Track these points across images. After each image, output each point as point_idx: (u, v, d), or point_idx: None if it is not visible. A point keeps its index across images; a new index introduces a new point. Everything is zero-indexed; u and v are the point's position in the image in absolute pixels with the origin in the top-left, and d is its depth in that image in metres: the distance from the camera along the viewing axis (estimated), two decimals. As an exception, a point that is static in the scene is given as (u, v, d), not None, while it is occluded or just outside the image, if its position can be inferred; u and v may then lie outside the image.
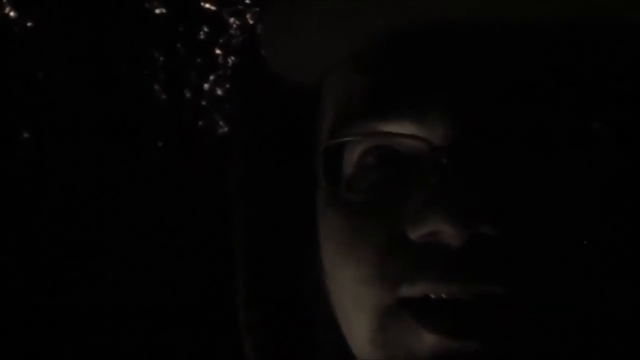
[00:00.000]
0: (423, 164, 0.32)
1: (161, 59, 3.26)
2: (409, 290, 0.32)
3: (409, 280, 0.32)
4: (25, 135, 2.72)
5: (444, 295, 0.32)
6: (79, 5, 2.62)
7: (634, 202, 0.33)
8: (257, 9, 0.38)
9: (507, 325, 0.31)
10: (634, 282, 0.33)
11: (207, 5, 3.23)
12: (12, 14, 2.58)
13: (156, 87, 3.26)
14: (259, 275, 0.41)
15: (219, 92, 3.43)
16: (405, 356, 0.33)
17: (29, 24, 2.63)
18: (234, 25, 3.30)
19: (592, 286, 0.32)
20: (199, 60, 3.44)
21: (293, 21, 0.35)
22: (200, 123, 3.43)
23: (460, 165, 0.31)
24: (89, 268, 2.39)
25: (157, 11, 3.08)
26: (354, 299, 0.35)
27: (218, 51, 3.41)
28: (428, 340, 0.32)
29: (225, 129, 3.15)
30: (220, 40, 3.35)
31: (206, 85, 3.47)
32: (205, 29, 3.32)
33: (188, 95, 3.41)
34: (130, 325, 2.19)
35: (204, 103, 3.44)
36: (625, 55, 0.33)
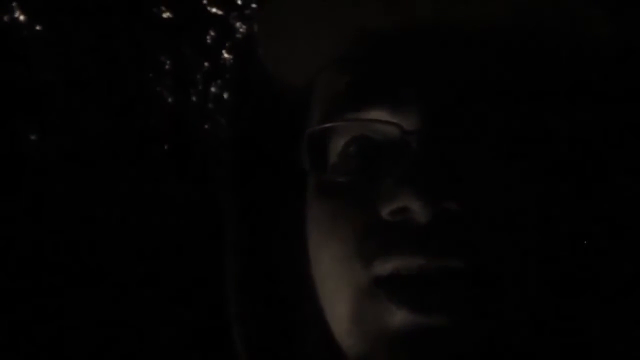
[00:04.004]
0: (396, 148, 0.35)
1: (168, 62, 3.28)
2: (381, 268, 0.35)
3: (381, 258, 0.35)
4: (32, 137, 2.75)
5: (413, 272, 0.34)
6: (86, 10, 2.65)
7: (588, 183, 0.37)
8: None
9: (468, 299, 0.34)
10: (589, 256, 0.36)
11: (214, 10, 3.25)
12: (21, 17, 2.61)
13: (162, 90, 3.29)
14: (249, 266, 0.44)
15: (226, 95, 3.45)
16: (379, 331, 0.35)
17: (37, 27, 2.66)
18: (241, 30, 3.32)
19: (546, 262, 0.36)
20: (205, 64, 3.45)
21: (286, 26, 0.39)
22: (206, 126, 3.45)
23: (428, 147, 0.34)
24: (91, 266, 2.41)
25: (164, 15, 3.10)
26: (335, 278, 0.37)
27: (225, 55, 3.43)
28: (398, 315, 0.34)
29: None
30: (227, 45, 3.37)
31: (213, 89, 3.48)
32: (212, 33, 3.34)
33: (194, 98, 3.42)
34: (122, 317, 2.22)
35: (210, 106, 3.46)
36: (580, 58, 0.37)
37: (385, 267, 0.35)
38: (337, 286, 0.37)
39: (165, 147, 3.20)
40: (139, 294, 2.34)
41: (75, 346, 2.19)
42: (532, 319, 0.35)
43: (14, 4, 2.60)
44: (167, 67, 3.30)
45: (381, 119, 0.36)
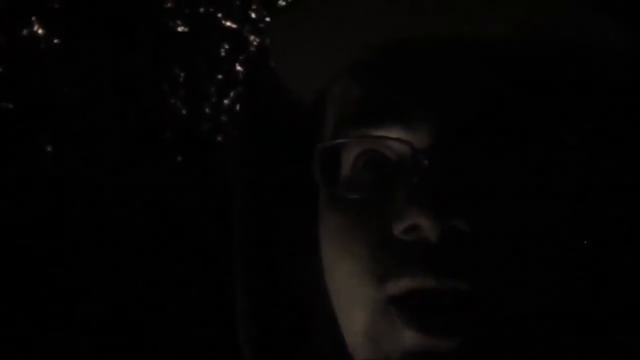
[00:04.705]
0: (407, 165, 0.36)
1: (182, 75, 3.31)
2: (394, 287, 0.35)
3: (394, 277, 0.35)
4: (49, 148, 2.78)
5: (425, 294, 0.34)
6: (103, 23, 2.69)
7: (602, 205, 0.37)
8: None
9: (476, 323, 0.34)
10: (600, 283, 0.36)
11: (228, 23, 3.28)
12: (40, 31, 2.65)
13: (177, 102, 3.31)
14: (260, 273, 0.44)
15: (239, 108, 3.46)
16: (391, 349, 0.35)
17: (55, 41, 2.70)
18: (254, 43, 3.34)
19: (550, 285, 0.36)
20: (219, 76, 3.47)
21: (298, 38, 0.39)
22: (219, 138, 3.46)
23: (438, 165, 0.34)
24: (105, 276, 2.43)
25: (179, 29, 3.14)
26: (349, 293, 0.37)
27: (238, 68, 3.44)
28: (408, 335, 0.35)
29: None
30: (241, 57, 3.39)
31: (226, 101, 3.50)
32: (226, 46, 3.36)
33: (208, 110, 3.45)
34: (129, 316, 2.23)
35: (223, 118, 3.47)
36: (590, 70, 0.37)
37: (398, 286, 0.35)
38: (352, 300, 0.37)
39: (179, 158, 3.22)
40: (149, 294, 2.36)
41: (77, 344, 2.21)
42: (542, 342, 0.35)
43: (33, 18, 2.64)
44: (181, 79, 3.33)
45: (392, 137, 0.36)
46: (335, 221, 0.39)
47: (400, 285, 0.35)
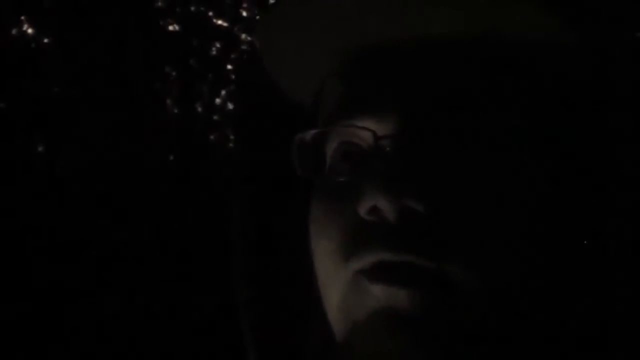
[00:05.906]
0: (374, 152, 0.38)
1: (174, 74, 3.31)
2: (358, 263, 0.38)
3: (357, 254, 0.38)
4: (40, 149, 2.78)
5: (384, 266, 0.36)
6: (94, 23, 2.68)
7: (553, 190, 0.39)
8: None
9: (431, 294, 0.36)
10: (550, 258, 0.37)
11: (220, 22, 3.28)
12: (29, 31, 2.65)
13: (169, 101, 3.31)
14: (256, 262, 0.46)
15: (231, 107, 3.47)
16: (358, 313, 0.38)
17: (45, 41, 2.70)
18: (246, 42, 3.35)
19: (501, 265, 0.38)
20: (210, 75, 3.48)
21: (286, 39, 0.42)
22: (211, 137, 3.47)
23: (399, 151, 0.37)
24: (100, 278, 2.43)
25: (171, 28, 3.14)
26: (325, 272, 0.41)
27: (230, 67, 3.45)
28: (373, 292, 0.37)
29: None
30: (232, 56, 3.40)
31: (218, 100, 3.51)
32: (218, 45, 3.37)
33: (200, 109, 3.45)
34: (132, 310, 2.24)
35: (215, 117, 3.48)
36: (545, 67, 0.40)
37: (361, 262, 0.37)
38: (327, 278, 0.40)
39: (171, 157, 3.22)
40: (147, 294, 2.36)
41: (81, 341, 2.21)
42: (493, 315, 0.37)
43: (22, 17, 2.64)
44: (172, 78, 3.32)
45: (359, 125, 0.39)
46: (317, 208, 0.41)
47: (363, 261, 0.37)
